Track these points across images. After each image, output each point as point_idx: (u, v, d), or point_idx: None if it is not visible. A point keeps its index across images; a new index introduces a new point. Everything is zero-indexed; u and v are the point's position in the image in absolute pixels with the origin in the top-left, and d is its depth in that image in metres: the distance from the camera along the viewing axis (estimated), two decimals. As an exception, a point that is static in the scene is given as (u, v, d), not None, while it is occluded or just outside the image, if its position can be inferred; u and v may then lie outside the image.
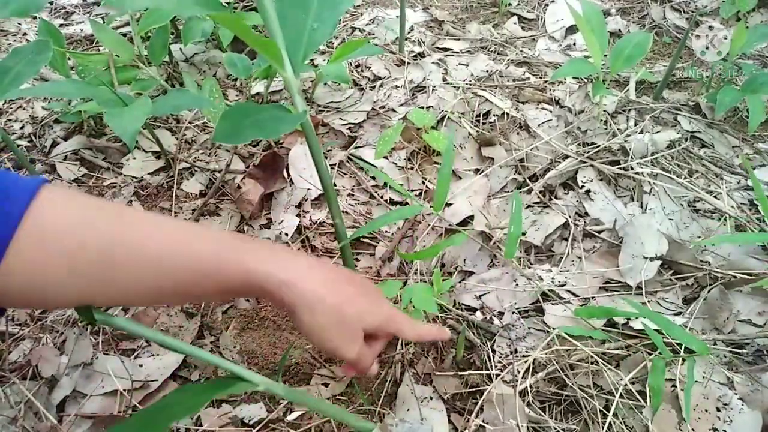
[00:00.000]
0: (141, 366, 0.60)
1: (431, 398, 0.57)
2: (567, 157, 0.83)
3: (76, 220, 0.31)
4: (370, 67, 1.04)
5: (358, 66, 1.05)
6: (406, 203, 0.80)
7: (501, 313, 0.65)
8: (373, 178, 0.84)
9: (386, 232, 0.77)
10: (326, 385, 0.60)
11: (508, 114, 0.92)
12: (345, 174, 0.85)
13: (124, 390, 0.58)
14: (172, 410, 0.34)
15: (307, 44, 0.42)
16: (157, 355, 0.62)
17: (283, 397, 0.42)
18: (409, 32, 1.16)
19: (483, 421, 0.54)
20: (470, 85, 0.98)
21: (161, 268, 0.33)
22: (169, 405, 0.35)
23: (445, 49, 1.11)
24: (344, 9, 0.46)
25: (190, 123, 0.93)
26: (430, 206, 0.59)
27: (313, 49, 0.43)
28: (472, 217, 0.77)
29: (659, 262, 0.68)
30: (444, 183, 0.60)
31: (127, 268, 0.32)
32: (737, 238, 0.70)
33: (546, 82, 1.00)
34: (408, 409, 0.56)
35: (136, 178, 0.84)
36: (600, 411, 0.55)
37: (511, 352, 0.61)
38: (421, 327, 0.44)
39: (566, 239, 0.74)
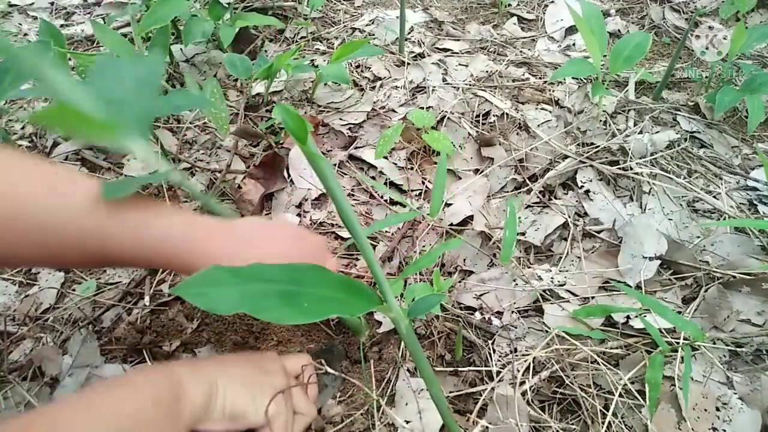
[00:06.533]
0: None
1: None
2: (566, 157, 0.83)
3: None
4: (370, 68, 1.04)
5: (358, 66, 1.05)
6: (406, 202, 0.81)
7: (500, 313, 0.65)
8: (373, 178, 0.84)
9: (386, 232, 0.77)
10: (326, 385, 0.60)
11: (507, 114, 0.92)
12: (345, 174, 0.85)
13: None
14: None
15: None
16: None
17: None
18: (409, 33, 1.16)
19: (484, 421, 0.54)
20: (470, 85, 0.98)
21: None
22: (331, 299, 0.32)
23: (445, 50, 1.11)
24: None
25: (191, 123, 0.93)
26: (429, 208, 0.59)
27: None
28: (471, 217, 0.77)
29: (658, 262, 0.68)
30: (439, 193, 0.61)
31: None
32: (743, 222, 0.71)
33: (545, 82, 1.00)
34: (406, 404, 0.56)
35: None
36: (600, 410, 0.55)
37: (511, 352, 0.61)
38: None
39: (566, 239, 0.74)
